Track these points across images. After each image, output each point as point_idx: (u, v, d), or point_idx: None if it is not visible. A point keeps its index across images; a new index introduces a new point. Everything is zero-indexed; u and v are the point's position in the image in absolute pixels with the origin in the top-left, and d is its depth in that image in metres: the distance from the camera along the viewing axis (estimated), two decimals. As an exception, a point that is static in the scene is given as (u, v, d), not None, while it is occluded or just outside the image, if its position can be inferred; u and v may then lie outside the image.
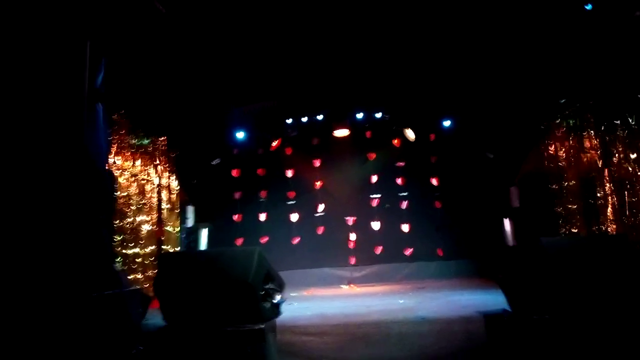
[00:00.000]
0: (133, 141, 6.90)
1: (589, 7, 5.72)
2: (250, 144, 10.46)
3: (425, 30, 7.08)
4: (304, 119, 10.24)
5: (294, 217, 10.15)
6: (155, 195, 7.66)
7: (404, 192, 10.14)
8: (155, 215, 7.60)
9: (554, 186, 7.77)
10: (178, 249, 8.63)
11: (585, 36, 6.22)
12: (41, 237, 2.97)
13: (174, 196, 8.48)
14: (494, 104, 8.80)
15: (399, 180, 10.21)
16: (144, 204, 7.20)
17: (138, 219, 6.96)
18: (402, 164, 10.21)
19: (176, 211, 8.56)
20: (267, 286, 4.18)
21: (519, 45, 6.97)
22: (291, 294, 7.45)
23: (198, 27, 6.40)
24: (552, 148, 7.79)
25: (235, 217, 10.20)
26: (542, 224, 7.99)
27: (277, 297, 4.35)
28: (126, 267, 6.44)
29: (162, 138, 8.04)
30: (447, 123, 10.10)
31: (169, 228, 8.24)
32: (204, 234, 9.67)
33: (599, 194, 6.69)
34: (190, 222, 9.40)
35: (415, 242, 9.88)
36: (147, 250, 7.20)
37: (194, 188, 9.52)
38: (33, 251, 2.92)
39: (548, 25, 6.44)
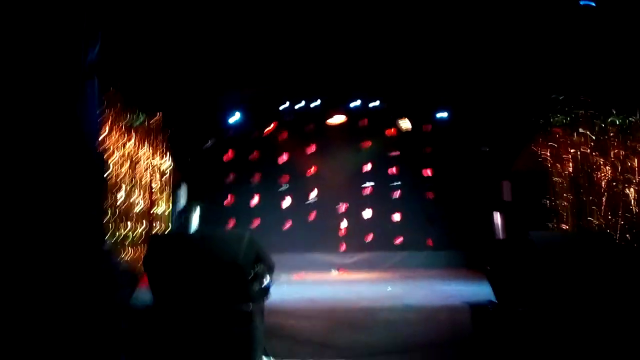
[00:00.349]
0: (127, 118, 6.82)
1: (584, 1, 5.69)
2: (245, 126, 10.40)
3: (424, 20, 7.03)
4: (300, 105, 10.18)
5: (287, 201, 10.16)
6: (147, 173, 7.62)
7: (397, 181, 10.17)
8: (147, 194, 7.57)
9: (545, 181, 7.83)
10: (170, 227, 8.62)
11: (580, 32, 6.21)
12: (29, 216, 2.95)
13: (166, 175, 8.44)
14: (490, 98, 8.80)
15: (392, 170, 10.23)
16: (136, 182, 7.16)
17: (130, 198, 6.92)
18: (396, 153, 10.22)
19: (169, 190, 8.52)
20: (256, 269, 4.18)
21: (516, 39, 6.95)
22: (281, 278, 7.51)
23: (196, 6, 6.31)
24: (546, 143, 7.83)
25: (228, 199, 10.18)
26: (532, 219, 8.07)
27: (267, 280, 4.35)
28: (118, 245, 6.44)
29: (158, 114, 7.95)
30: (443, 114, 10.10)
31: (161, 207, 8.21)
32: (196, 213, 9.66)
33: (591, 191, 6.75)
34: (182, 201, 9.38)
35: (406, 232, 9.95)
36: (139, 228, 7.19)
37: (187, 167, 9.46)
38: (21, 231, 2.90)
39: (544, 21, 6.42)
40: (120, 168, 6.59)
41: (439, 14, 6.74)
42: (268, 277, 4.40)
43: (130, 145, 7.01)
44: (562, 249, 3.53)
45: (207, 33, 6.88)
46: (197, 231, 8.87)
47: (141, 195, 7.34)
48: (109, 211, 6.13)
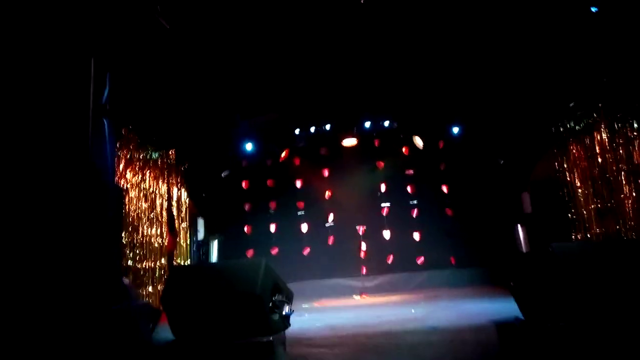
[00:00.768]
0: (142, 155, 6.95)
1: (594, 9, 5.67)
2: (259, 155, 10.50)
3: (430, 36, 7.08)
4: (312, 130, 10.26)
5: (304, 227, 10.14)
6: (165, 208, 7.70)
7: (414, 200, 10.08)
8: (165, 229, 7.63)
9: (566, 190, 7.66)
10: (189, 261, 8.65)
11: (591, 38, 6.16)
12: (47, 253, 2.99)
13: (183, 209, 8.52)
14: (502, 109, 8.73)
15: (408, 188, 10.15)
16: (154, 217, 7.24)
17: (148, 232, 7.00)
18: (411, 171, 10.16)
19: (186, 224, 8.59)
20: (275, 298, 4.14)
21: (526, 48, 6.93)
22: (302, 306, 7.43)
23: (203, 40, 6.47)
24: (563, 151, 7.70)
25: (246, 229, 10.20)
26: (555, 230, 7.87)
27: (286, 309, 4.31)
28: (138, 281, 6.47)
29: (171, 151, 8.10)
30: (455, 129, 10.05)
31: (179, 241, 8.28)
32: (215, 246, 9.69)
33: (615, 197, 6.56)
34: (200, 235, 9.43)
35: (427, 251, 9.79)
36: (158, 263, 7.23)
37: (203, 200, 9.57)
38: (39, 268, 2.94)
39: (554, 29, 6.40)
40: (138, 203, 6.68)
41: (445, 26, 6.78)
42: (287, 306, 4.36)
43: (147, 180, 7.12)
44: (585, 259, 3.42)
45: (215, 67, 7.03)
46: (213, 262, 8.88)
47: (160, 230, 7.41)
48: (128, 247, 6.19)
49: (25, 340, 2.74)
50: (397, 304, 7.08)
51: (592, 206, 7.09)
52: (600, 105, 6.80)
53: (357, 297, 8.96)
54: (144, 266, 6.67)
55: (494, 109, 8.86)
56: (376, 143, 10.37)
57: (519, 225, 9.43)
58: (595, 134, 6.96)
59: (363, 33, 6.97)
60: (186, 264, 8.41)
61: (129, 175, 6.42)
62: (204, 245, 9.50)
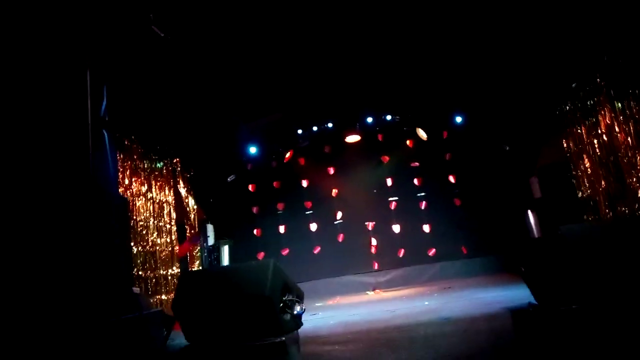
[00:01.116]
0: (147, 165, 6.99)
1: None
2: (264, 157, 10.51)
3: (428, 26, 7.03)
4: (314, 128, 10.26)
5: (313, 226, 10.13)
6: (173, 216, 7.74)
7: (422, 192, 10.03)
8: (174, 237, 7.68)
9: (575, 172, 7.57)
10: (200, 267, 8.69)
11: (589, 16, 6.08)
12: (51, 266, 3.01)
13: (192, 216, 8.56)
14: (504, 94, 8.65)
15: (415, 181, 10.10)
16: (163, 226, 7.27)
17: (158, 241, 7.03)
18: (416, 164, 10.11)
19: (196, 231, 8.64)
20: (285, 298, 4.14)
21: (524, 31, 6.86)
22: (316, 304, 7.43)
23: (200, 44, 6.49)
24: (569, 133, 7.61)
25: (255, 232, 10.23)
26: (566, 213, 7.78)
27: (297, 308, 4.30)
28: (150, 289, 6.51)
29: (175, 160, 8.13)
30: (458, 119, 9.98)
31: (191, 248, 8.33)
32: (225, 250, 9.73)
33: (627, 175, 6.46)
34: (210, 240, 9.48)
35: (438, 242, 9.75)
36: (170, 271, 7.27)
37: (212, 206, 9.61)
38: (43, 281, 2.96)
39: (551, 10, 6.33)
40: (145, 213, 6.71)
41: (442, 14, 6.72)
42: (298, 305, 4.36)
43: (153, 190, 7.16)
44: (595, 241, 3.37)
45: (213, 71, 7.04)
46: (221, 266, 8.91)
47: (169, 238, 7.44)
48: (138, 256, 6.22)
49: (34, 353, 2.76)
50: (410, 297, 7.04)
51: (603, 187, 6.99)
52: (602, 84, 6.71)
53: (370, 293, 8.94)
54: (155, 274, 6.70)
55: (495, 95, 8.78)
56: (380, 138, 10.33)
57: (529, 211, 9.34)
58: (599, 113, 6.87)
59: (358, 27, 6.94)
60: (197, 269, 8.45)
61: (134, 185, 6.46)
62: (215, 251, 9.54)
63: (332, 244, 10.00)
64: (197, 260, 8.72)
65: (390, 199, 10.12)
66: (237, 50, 6.78)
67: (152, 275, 6.58)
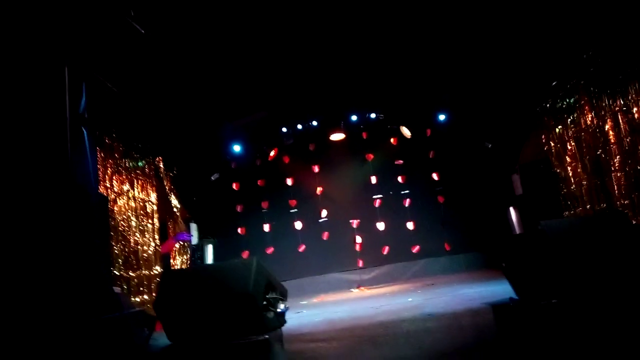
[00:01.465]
0: (128, 164, 6.89)
1: None
2: (248, 156, 10.46)
3: (411, 25, 7.07)
4: (299, 127, 10.24)
5: (298, 225, 10.12)
6: (156, 215, 7.65)
7: (406, 190, 10.09)
8: (157, 236, 7.58)
9: (555, 169, 7.69)
10: (184, 267, 8.61)
11: (569, 16, 6.18)
12: (28, 265, 2.95)
13: (175, 215, 8.48)
14: (486, 92, 8.76)
15: (399, 179, 10.16)
16: (145, 225, 7.18)
17: (140, 240, 6.94)
18: (400, 162, 10.17)
19: (178, 230, 8.55)
20: (269, 295, 4.12)
21: (506, 31, 6.94)
22: (301, 302, 7.42)
23: (184, 42, 6.42)
24: (549, 131, 7.72)
25: (239, 230, 10.17)
26: (547, 209, 7.90)
27: (281, 306, 4.29)
28: (132, 289, 6.42)
29: (158, 158, 8.04)
30: (442, 117, 10.06)
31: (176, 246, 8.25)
32: (209, 250, 9.66)
33: (606, 171, 6.58)
34: (194, 240, 9.39)
35: (422, 239, 9.81)
36: (153, 271, 7.18)
37: (195, 205, 9.53)
38: (20, 280, 2.90)
39: (532, 10, 6.41)
40: (126, 212, 6.62)
41: (424, 14, 6.76)
42: (282, 303, 4.34)
43: (135, 189, 7.07)
44: (574, 235, 3.43)
45: (196, 69, 6.98)
46: (203, 265, 8.84)
47: (152, 237, 7.35)
48: (120, 256, 6.13)
49: (10, 354, 2.70)
50: (395, 294, 7.08)
51: (582, 183, 7.12)
52: (582, 82, 6.83)
53: (354, 290, 8.97)
54: (137, 274, 6.62)
55: (478, 93, 8.88)
56: (364, 136, 10.36)
57: (511, 208, 9.47)
58: (579, 111, 6.99)
59: (342, 25, 6.94)
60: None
61: (115, 183, 6.36)
62: (199, 250, 9.46)
63: (316, 242, 9.99)
64: (181, 258, 8.63)
65: (375, 196, 10.15)
66: (221, 47, 6.73)
67: (134, 274, 6.49)
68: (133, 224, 6.75)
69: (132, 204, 6.89)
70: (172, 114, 7.86)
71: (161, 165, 8.08)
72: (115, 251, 5.97)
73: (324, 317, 5.26)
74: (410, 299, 5.91)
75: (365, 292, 8.54)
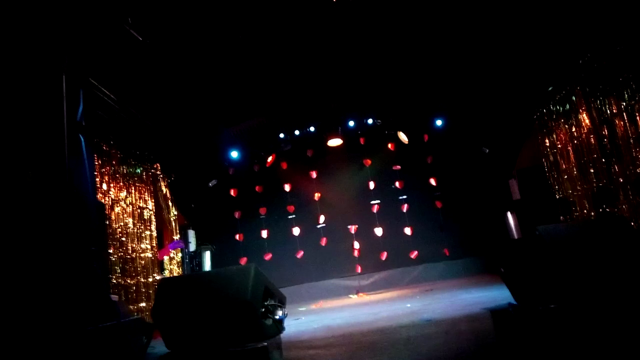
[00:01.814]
0: (126, 170, 6.89)
1: None
2: (245, 162, 10.46)
3: (408, 31, 7.10)
4: (297, 132, 10.25)
5: (296, 231, 10.10)
6: (153, 222, 7.63)
7: (403, 195, 10.10)
8: (155, 243, 7.56)
9: (552, 174, 7.71)
10: (182, 274, 8.58)
11: (565, 20, 6.22)
12: (26, 272, 2.94)
13: (173, 222, 8.46)
14: (483, 98, 8.79)
15: (397, 184, 10.17)
16: (143, 232, 7.17)
17: (138, 247, 6.92)
18: (398, 167, 10.18)
19: (177, 237, 8.53)
20: (267, 302, 4.11)
21: (503, 37, 6.97)
22: (299, 309, 7.40)
23: (181, 49, 6.43)
24: (547, 136, 7.75)
25: (237, 237, 10.15)
26: (545, 214, 7.92)
27: (279, 313, 4.27)
28: (130, 296, 6.39)
29: (156, 165, 8.03)
30: (439, 122, 10.09)
31: (171, 255, 8.22)
32: (207, 256, 9.63)
33: (602, 176, 6.59)
34: (192, 246, 9.36)
35: (420, 244, 9.80)
36: (150, 278, 7.15)
37: (193, 212, 9.51)
38: (18, 288, 2.88)
39: (528, 15, 6.45)
40: (124, 219, 6.61)
41: (421, 20, 6.80)
42: (280, 310, 4.33)
43: (132, 195, 7.06)
44: (571, 240, 3.43)
45: (193, 76, 6.98)
46: (201, 272, 8.80)
47: (149, 244, 7.33)
48: (117, 263, 6.11)
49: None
50: (393, 300, 7.06)
51: (579, 188, 7.13)
52: (578, 87, 6.86)
53: (353, 296, 8.94)
54: (135, 282, 6.59)
55: (475, 98, 8.91)
56: (362, 141, 10.37)
57: (508, 213, 9.49)
58: (576, 116, 7.01)
59: (340, 31, 6.97)
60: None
61: (113, 190, 6.35)
62: (197, 257, 9.43)
63: (315, 248, 9.97)
64: (178, 266, 8.60)
65: (373, 202, 10.15)
66: (219, 54, 6.74)
67: (132, 282, 6.47)
68: (130, 231, 6.73)
69: (130, 210, 6.88)
70: (170, 121, 7.86)
71: (159, 172, 8.07)
72: (113, 258, 5.95)
73: (322, 324, 5.25)
74: (408, 305, 5.90)
75: (364, 298, 8.52)
